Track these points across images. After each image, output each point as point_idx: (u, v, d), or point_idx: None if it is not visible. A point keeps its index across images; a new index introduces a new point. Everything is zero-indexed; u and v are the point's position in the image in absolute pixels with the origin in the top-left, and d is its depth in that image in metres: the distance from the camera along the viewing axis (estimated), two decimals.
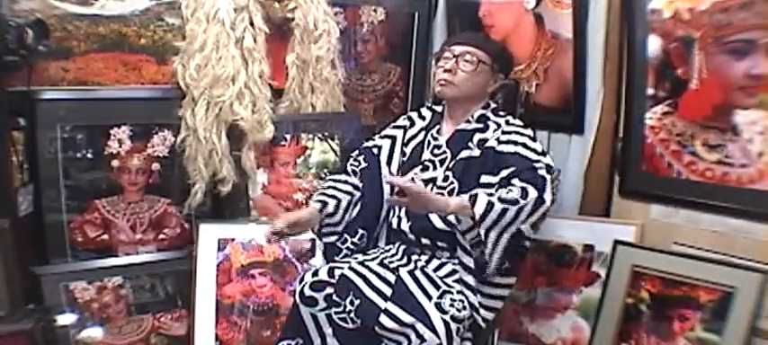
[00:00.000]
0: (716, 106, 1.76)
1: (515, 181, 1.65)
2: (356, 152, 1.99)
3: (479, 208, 1.58)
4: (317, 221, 1.83)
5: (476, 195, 1.61)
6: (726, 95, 1.73)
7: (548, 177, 1.68)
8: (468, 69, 1.81)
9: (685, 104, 1.85)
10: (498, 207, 1.59)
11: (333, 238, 1.89)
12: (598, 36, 2.03)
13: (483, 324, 1.73)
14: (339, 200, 1.86)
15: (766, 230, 1.70)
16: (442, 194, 1.75)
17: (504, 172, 1.68)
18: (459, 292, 1.69)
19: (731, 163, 1.75)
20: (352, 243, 1.88)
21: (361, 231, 1.88)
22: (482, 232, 1.60)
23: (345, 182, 1.92)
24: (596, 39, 2.04)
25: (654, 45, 1.90)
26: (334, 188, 1.90)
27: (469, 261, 1.71)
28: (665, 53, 1.87)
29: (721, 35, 1.72)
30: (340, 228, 1.88)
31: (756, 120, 1.68)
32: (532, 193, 1.62)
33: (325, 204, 1.84)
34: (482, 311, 1.72)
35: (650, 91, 1.93)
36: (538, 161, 1.70)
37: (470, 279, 1.72)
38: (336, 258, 1.87)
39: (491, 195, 1.61)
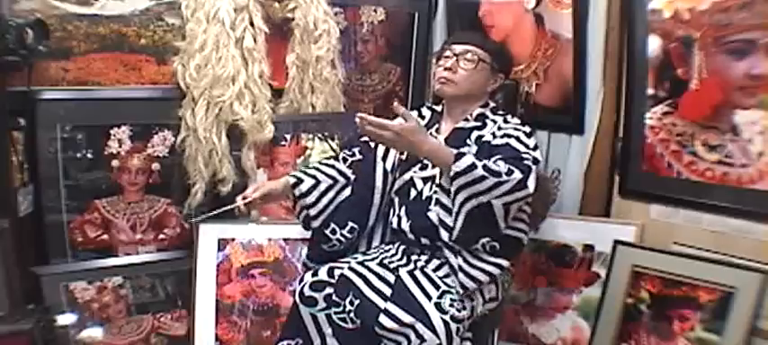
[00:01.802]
0: (716, 106, 1.76)
1: (501, 163, 1.64)
2: (352, 144, 1.98)
3: (460, 165, 1.58)
4: (288, 194, 1.86)
5: (463, 153, 1.62)
6: (726, 95, 1.73)
7: (533, 168, 1.66)
8: (469, 68, 1.82)
9: (685, 104, 1.84)
10: (479, 172, 1.58)
11: (316, 223, 1.86)
12: (598, 36, 2.03)
13: (461, 289, 1.68)
14: (317, 182, 1.85)
15: (766, 230, 1.70)
16: (432, 197, 1.77)
17: (493, 159, 1.67)
18: (458, 292, 1.69)
19: (731, 163, 1.75)
20: (342, 235, 1.85)
21: (350, 223, 1.85)
22: (453, 189, 1.60)
23: (331, 167, 1.90)
24: (596, 39, 2.04)
25: (654, 45, 1.90)
26: (317, 168, 1.89)
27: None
28: (665, 53, 1.87)
29: (721, 35, 1.72)
30: (313, 211, 1.84)
31: (756, 120, 1.68)
32: (517, 174, 1.61)
33: (299, 181, 1.84)
34: (461, 275, 1.68)
35: (650, 91, 1.93)
36: (526, 153, 1.69)
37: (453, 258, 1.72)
38: (325, 247, 1.86)
39: (479, 159, 1.60)
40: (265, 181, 1.86)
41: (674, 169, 1.89)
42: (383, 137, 1.60)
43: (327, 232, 1.85)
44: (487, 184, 1.59)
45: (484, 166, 1.59)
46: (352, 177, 1.89)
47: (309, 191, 1.84)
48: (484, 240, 1.68)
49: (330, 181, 1.87)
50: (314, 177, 1.86)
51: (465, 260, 1.70)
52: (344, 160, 1.92)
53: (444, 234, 1.68)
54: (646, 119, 1.94)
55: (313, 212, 1.85)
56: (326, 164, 1.92)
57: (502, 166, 1.62)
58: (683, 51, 1.82)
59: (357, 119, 1.61)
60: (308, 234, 2.10)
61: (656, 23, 1.88)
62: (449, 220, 1.66)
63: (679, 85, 1.85)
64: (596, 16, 2.04)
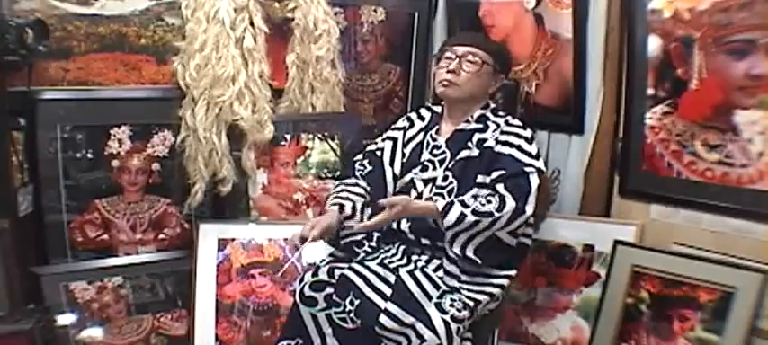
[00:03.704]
0: (716, 106, 1.76)
1: (500, 186, 1.68)
2: (361, 156, 1.99)
3: (451, 219, 1.64)
4: (338, 224, 1.79)
5: (450, 205, 1.66)
6: (726, 95, 1.73)
7: (535, 183, 1.70)
8: (472, 70, 1.81)
9: (685, 104, 1.85)
10: (470, 219, 1.64)
11: (361, 236, 1.84)
12: (598, 36, 2.04)
13: (472, 305, 1.69)
14: (354, 203, 1.83)
15: (766, 230, 1.70)
16: (432, 198, 1.78)
17: (495, 175, 1.70)
18: (459, 292, 1.69)
19: (731, 163, 1.75)
20: (370, 246, 1.85)
21: (376, 234, 1.86)
22: (449, 235, 1.67)
23: (356, 185, 1.90)
24: (596, 39, 2.04)
25: (654, 45, 1.90)
26: (347, 191, 1.87)
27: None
28: (665, 53, 1.87)
29: (721, 35, 1.72)
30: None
31: (756, 120, 1.68)
32: (510, 204, 1.65)
33: (342, 206, 1.80)
34: (472, 293, 1.70)
35: (650, 91, 1.93)
36: (529, 164, 1.71)
37: (454, 268, 1.73)
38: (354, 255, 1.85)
39: (467, 206, 1.65)
40: (315, 219, 1.81)
41: (674, 169, 1.89)
42: (381, 224, 1.69)
43: (355, 246, 1.85)
44: (483, 224, 1.65)
45: (473, 212, 1.64)
46: (369, 188, 1.89)
47: (353, 215, 1.81)
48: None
49: (362, 200, 1.85)
50: (349, 199, 1.83)
51: (472, 282, 1.72)
52: (362, 176, 1.92)
53: (453, 268, 1.71)
54: (646, 119, 1.94)
55: (360, 236, 1.83)
56: (351, 184, 1.90)
57: (493, 202, 1.66)
58: (683, 51, 1.82)
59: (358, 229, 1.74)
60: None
61: (656, 23, 1.88)
62: (452, 253, 1.70)
63: (679, 85, 1.85)
64: (596, 16, 2.04)
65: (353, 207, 1.81)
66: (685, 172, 1.86)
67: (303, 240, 1.68)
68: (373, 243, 1.86)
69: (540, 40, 2.21)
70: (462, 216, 1.63)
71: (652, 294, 1.85)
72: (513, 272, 1.75)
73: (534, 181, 1.69)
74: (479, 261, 1.68)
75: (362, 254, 1.85)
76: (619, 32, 2.01)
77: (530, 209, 1.67)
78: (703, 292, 1.74)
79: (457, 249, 1.68)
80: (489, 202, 1.66)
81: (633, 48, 1.96)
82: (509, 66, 1.96)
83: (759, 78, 1.66)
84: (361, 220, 1.80)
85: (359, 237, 1.84)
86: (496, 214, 1.64)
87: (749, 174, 1.72)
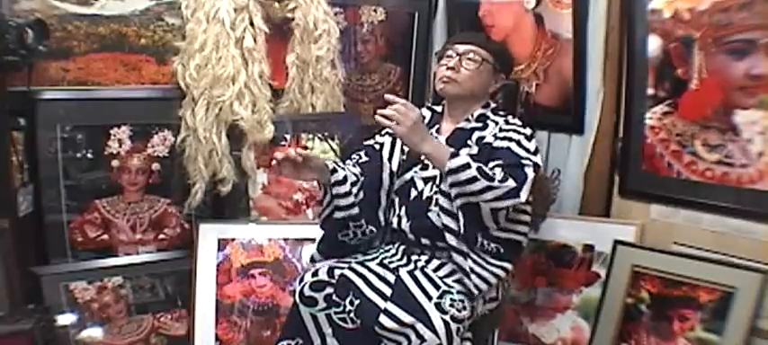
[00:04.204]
0: (716, 106, 1.76)
1: (498, 170, 1.66)
2: (358, 148, 1.98)
3: (454, 163, 1.61)
4: (325, 176, 1.78)
5: (459, 152, 1.65)
6: (726, 95, 1.73)
7: (530, 175, 1.67)
8: (472, 67, 1.82)
9: (685, 104, 1.84)
10: (472, 172, 1.60)
11: (341, 214, 1.82)
12: (598, 36, 2.03)
13: (475, 291, 1.70)
14: (346, 174, 1.81)
15: (766, 230, 1.70)
16: (432, 197, 1.78)
17: (491, 164, 1.69)
18: (458, 292, 1.69)
19: (731, 163, 1.75)
20: (363, 232, 1.85)
21: (370, 226, 1.86)
22: (446, 186, 1.64)
23: (353, 166, 1.89)
24: (596, 39, 2.04)
25: (654, 45, 1.90)
26: (343, 164, 1.88)
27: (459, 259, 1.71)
28: (665, 53, 1.87)
29: (721, 35, 1.72)
30: (344, 202, 1.80)
31: (756, 120, 1.68)
32: (510, 183, 1.63)
33: (334, 170, 1.80)
34: (473, 277, 1.70)
35: (650, 91, 1.93)
36: (526, 158, 1.70)
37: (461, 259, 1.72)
38: (340, 237, 1.85)
39: (474, 162, 1.63)
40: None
41: (674, 169, 1.89)
42: (400, 111, 1.61)
43: (351, 226, 1.83)
44: (478, 186, 1.61)
45: (478, 169, 1.61)
46: (362, 179, 1.88)
47: (343, 181, 1.80)
48: (480, 237, 1.69)
49: (354, 177, 1.84)
50: (342, 168, 1.83)
51: (476, 262, 1.71)
52: (357, 164, 1.91)
53: (451, 238, 1.69)
54: (646, 119, 1.94)
55: (344, 203, 1.80)
56: (346, 163, 1.90)
57: (498, 174, 1.64)
58: (682, 51, 1.82)
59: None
60: (307, 235, 2.10)
61: (656, 23, 1.88)
62: (452, 224, 1.67)
63: (679, 85, 1.85)
64: (596, 16, 2.04)
65: (345, 177, 1.80)
66: (685, 172, 1.86)
67: (286, 159, 1.69)
68: (360, 235, 1.85)
69: (540, 40, 2.21)
70: (467, 166, 1.60)
71: (652, 294, 1.85)
72: (507, 265, 1.73)
73: (530, 173, 1.68)
74: (457, 218, 1.66)
75: (352, 234, 1.84)
76: (619, 32, 2.01)
77: (523, 196, 1.64)
78: (703, 292, 1.74)
79: (455, 204, 1.65)
80: (494, 172, 1.65)
81: (633, 48, 1.96)
82: (510, 66, 1.96)
83: (759, 78, 1.65)
84: (350, 192, 1.79)
85: (346, 214, 1.81)
86: (496, 182, 1.62)
87: (749, 174, 1.72)
